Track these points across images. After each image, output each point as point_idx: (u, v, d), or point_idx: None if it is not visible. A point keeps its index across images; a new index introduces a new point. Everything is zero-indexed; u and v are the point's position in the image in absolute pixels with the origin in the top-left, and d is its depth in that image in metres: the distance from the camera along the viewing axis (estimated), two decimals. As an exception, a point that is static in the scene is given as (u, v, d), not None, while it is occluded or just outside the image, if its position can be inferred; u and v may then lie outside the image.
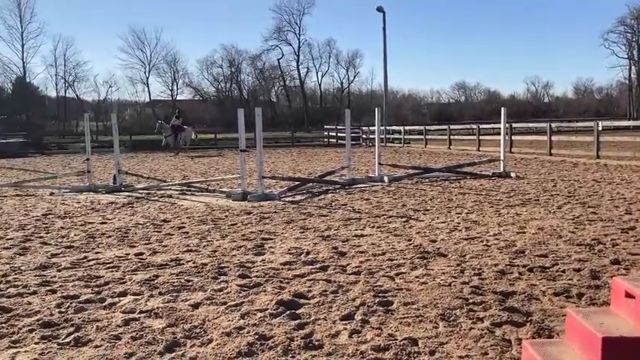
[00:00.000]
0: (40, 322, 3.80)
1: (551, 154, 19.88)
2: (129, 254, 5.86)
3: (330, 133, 40.00)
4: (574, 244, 5.85)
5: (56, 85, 67.25)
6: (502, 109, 14.31)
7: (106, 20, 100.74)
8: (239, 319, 3.79)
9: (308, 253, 5.72)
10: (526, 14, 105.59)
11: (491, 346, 3.26)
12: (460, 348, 3.26)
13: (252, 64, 75.59)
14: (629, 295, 2.86)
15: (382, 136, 31.91)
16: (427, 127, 32.40)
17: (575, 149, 19.80)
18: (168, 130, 28.35)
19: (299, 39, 74.66)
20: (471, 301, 4.06)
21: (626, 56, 74.28)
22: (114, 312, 4.02)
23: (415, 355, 3.18)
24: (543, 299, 4.11)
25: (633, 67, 74.28)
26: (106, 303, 4.22)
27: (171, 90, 71.32)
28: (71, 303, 4.20)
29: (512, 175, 13.30)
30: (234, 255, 5.74)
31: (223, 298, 4.28)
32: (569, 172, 14.05)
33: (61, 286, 4.70)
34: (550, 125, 20.98)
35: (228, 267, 5.21)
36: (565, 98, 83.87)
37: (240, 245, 6.20)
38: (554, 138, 20.67)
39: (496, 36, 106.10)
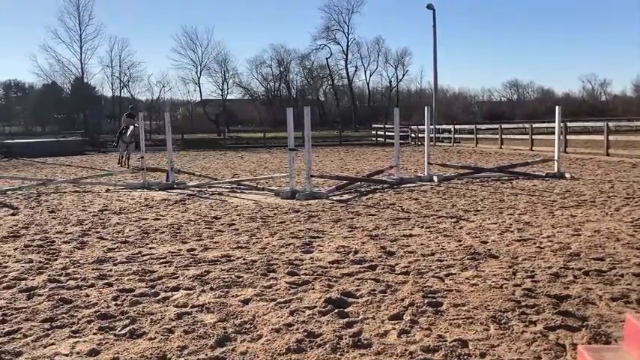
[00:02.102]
0: (97, 313, 3.95)
1: (608, 155, 19.16)
2: (181, 250, 6.01)
3: (379, 132, 39.82)
4: (633, 248, 5.62)
5: (112, 85, 69.39)
6: (556, 107, 13.90)
7: (159, 22, 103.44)
8: (288, 316, 3.83)
9: (356, 252, 5.72)
10: (581, 10, 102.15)
11: (545, 350, 3.18)
12: (512, 351, 3.19)
13: (301, 64, 76.03)
14: (693, 302, 2.74)
15: (431, 135, 31.44)
16: (478, 126, 31.74)
17: (634, 149, 19.00)
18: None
19: (347, 38, 74.55)
20: (523, 303, 3.97)
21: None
22: (167, 306, 4.13)
23: (465, 356, 3.14)
24: (600, 304, 3.98)
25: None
26: (160, 297, 4.35)
27: (222, 89, 72.44)
28: (126, 296, 4.34)
29: (567, 175, 12.89)
30: (283, 252, 5.80)
31: (273, 294, 4.34)
32: (628, 173, 13.51)
33: (117, 279, 4.86)
34: (607, 124, 20.21)
35: (277, 264, 5.27)
36: (624, 96, 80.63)
37: (289, 243, 6.26)
38: (611, 137, 19.90)
39: (550, 33, 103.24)
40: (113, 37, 78.83)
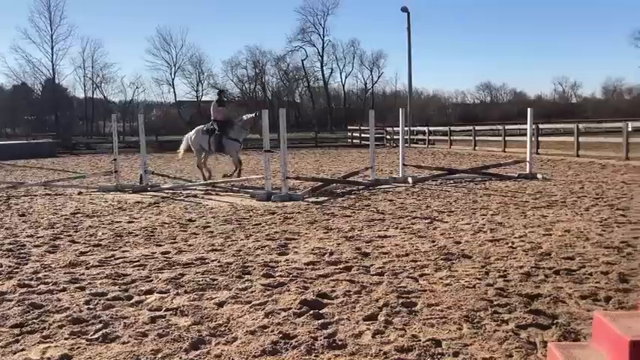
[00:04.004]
0: (69, 318, 3.89)
1: (578, 156, 19.55)
2: (155, 253, 5.95)
3: (354, 134, 39.97)
4: (602, 247, 5.75)
5: (84, 87, 68.53)
6: (528, 109, 14.14)
7: (132, 22, 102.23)
8: (263, 318, 3.83)
9: (331, 254, 5.74)
10: (553, 13, 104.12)
11: (516, 348, 3.24)
12: (484, 350, 3.24)
13: (277, 66, 75.98)
14: (658, 299, 2.82)
15: (406, 137, 31.75)
16: (452, 128, 32.15)
17: (603, 150, 19.42)
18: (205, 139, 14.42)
19: (323, 40, 74.79)
20: (495, 303, 4.04)
21: (657, 55, 72.67)
22: (141, 309, 4.09)
23: (439, 356, 3.17)
24: (570, 302, 4.06)
25: (664, 67, 72.60)
26: (133, 300, 4.30)
27: (197, 91, 72.06)
28: (99, 300, 4.29)
29: (539, 176, 13.12)
30: (259, 254, 5.78)
31: (248, 297, 4.33)
32: (598, 174, 13.81)
33: (89, 283, 4.80)
34: (577, 126, 20.63)
35: (252, 266, 5.25)
36: (593, 99, 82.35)
37: (265, 245, 6.25)
38: (581, 139, 20.32)
39: (522, 36, 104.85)
40: (85, 38, 77.75)
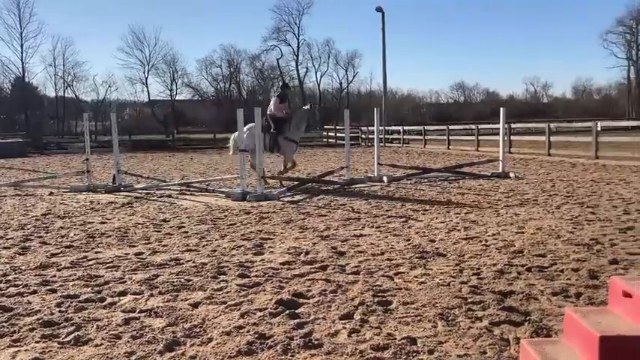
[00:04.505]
0: (40, 321, 3.81)
1: (549, 155, 19.90)
2: (128, 254, 5.87)
3: (330, 133, 40.04)
4: (572, 244, 5.87)
5: (55, 85, 67.30)
6: (501, 109, 14.34)
7: (105, 20, 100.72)
8: (239, 319, 3.80)
9: (307, 253, 5.74)
10: (525, 14, 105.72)
11: (490, 345, 3.28)
12: (459, 347, 3.27)
13: (252, 64, 75.70)
14: (626, 295, 2.88)
15: (381, 136, 31.91)
16: (426, 128, 32.43)
17: (573, 149, 19.81)
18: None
19: (298, 39, 74.77)
20: (469, 300, 4.08)
21: (625, 57, 74.48)
22: (114, 311, 4.03)
23: (414, 354, 3.20)
24: (541, 299, 4.13)
25: (632, 68, 74.45)
26: (106, 302, 4.24)
27: (171, 90, 71.32)
28: (71, 302, 4.21)
29: (511, 175, 13.32)
30: (234, 255, 5.75)
31: (223, 297, 4.30)
32: (568, 173, 14.07)
33: (61, 285, 4.71)
34: (549, 125, 21.01)
35: (227, 266, 5.22)
36: (564, 99, 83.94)
37: (240, 245, 6.22)
38: (552, 138, 20.69)
39: (495, 36, 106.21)
40: (56, 36, 76.30)
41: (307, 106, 12.51)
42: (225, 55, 74.00)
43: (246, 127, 12.31)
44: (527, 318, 3.71)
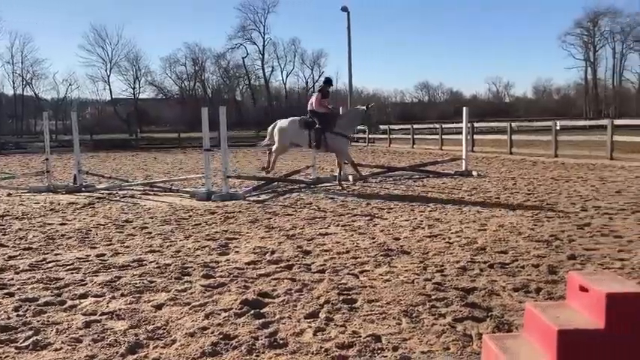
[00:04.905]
0: (-4, 326, 3.69)
1: (511, 153, 20.33)
2: (90, 255, 5.75)
3: (296, 133, 39.94)
4: (533, 241, 6.00)
5: (13, 83, 65.38)
6: (464, 109, 14.57)
7: (65, 17, 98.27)
8: (203, 320, 3.77)
9: (273, 252, 5.72)
10: (488, 15, 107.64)
11: (453, 341, 3.32)
12: (423, 343, 3.31)
13: (217, 63, 75.13)
14: (583, 289, 2.96)
15: (347, 136, 32.01)
16: (391, 127, 32.72)
17: (534, 148, 20.29)
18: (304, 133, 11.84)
19: (264, 38, 74.51)
20: (433, 297, 4.13)
21: (583, 58, 76.76)
22: (74, 314, 3.94)
23: (379, 351, 3.22)
24: (503, 294, 4.21)
25: (589, 69, 76.77)
26: (66, 305, 4.14)
27: (134, 88, 70.11)
28: (30, 306, 4.10)
29: (474, 173, 13.55)
30: (198, 255, 5.69)
31: (187, 298, 4.25)
32: (529, 171, 14.39)
33: (19, 288, 4.58)
34: (510, 125, 21.46)
35: (192, 267, 5.16)
36: (525, 98, 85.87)
37: (205, 245, 6.15)
38: (514, 137, 21.15)
39: (458, 37, 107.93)
40: (14, 32, 73.91)
41: (363, 107, 11.64)
42: (190, 53, 73.30)
43: (288, 119, 11.87)
44: (490, 314, 3.78)
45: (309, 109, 11.70)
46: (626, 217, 7.28)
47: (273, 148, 11.92)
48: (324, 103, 11.61)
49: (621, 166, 14.83)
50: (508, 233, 6.45)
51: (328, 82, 12.23)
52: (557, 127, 19.35)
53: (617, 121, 20.84)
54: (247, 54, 74.45)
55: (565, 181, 11.75)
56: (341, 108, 14.27)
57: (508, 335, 3.28)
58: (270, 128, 12.34)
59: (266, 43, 74.71)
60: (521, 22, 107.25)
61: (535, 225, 6.89)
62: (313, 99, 11.78)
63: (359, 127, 35.82)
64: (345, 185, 11.40)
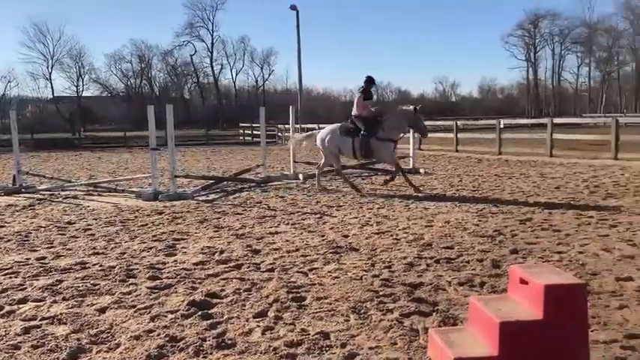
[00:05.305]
0: None
1: (457, 151, 20.81)
2: (29, 259, 5.53)
3: (246, 131, 39.74)
4: (477, 236, 6.16)
5: (-54, 80, 62.19)
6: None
7: (3, 11, 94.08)
8: (149, 322, 3.69)
9: (222, 252, 5.65)
10: (435, 15, 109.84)
11: (400, 336, 3.37)
12: (370, 339, 3.35)
13: (164, 60, 73.72)
14: (523, 282, 3.06)
15: (297, 134, 32.02)
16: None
17: (479, 146, 20.84)
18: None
19: (212, 35, 73.62)
20: (381, 293, 4.18)
21: (525, 58, 79.51)
22: (12, 320, 3.78)
23: (327, 348, 3.23)
24: (449, 289, 4.30)
25: (531, 69, 79.58)
26: (4, 311, 3.97)
27: (77, 86, 67.94)
28: (-37, 313, 3.91)
29: (421, 171, 13.79)
30: (144, 256, 5.56)
31: (132, 301, 4.15)
32: (474, 168, 14.77)
33: (-49, 295, 4.36)
34: (456, 123, 22.01)
35: (137, 269, 5.04)
36: (471, 97, 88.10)
37: (151, 246, 6.02)
38: (460, 135, 21.67)
39: (406, 36, 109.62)
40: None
41: (410, 107, 10.44)
42: (136, 50, 71.65)
43: (329, 128, 11.03)
44: (436, 308, 3.86)
45: (352, 114, 10.58)
46: (565, 211, 7.58)
47: (322, 162, 11.03)
48: (366, 105, 10.53)
49: (560, 162, 15.42)
50: (454, 229, 6.60)
51: (370, 80, 10.99)
52: (501, 126, 19.95)
53: (557, 120, 21.72)
54: (195, 51, 73.47)
55: (508, 177, 12.12)
56: (291, 107, 14.22)
57: (453, 329, 3.36)
58: (297, 139, 11.83)
59: (215, 40, 73.92)
60: (467, 23, 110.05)
61: (480, 221, 7.08)
62: (355, 102, 10.70)
63: (310, 127, 35.98)
64: (387, 185, 10.39)
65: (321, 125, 34.46)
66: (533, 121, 32.31)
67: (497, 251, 5.44)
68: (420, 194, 9.61)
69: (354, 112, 10.57)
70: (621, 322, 3.52)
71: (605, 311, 3.72)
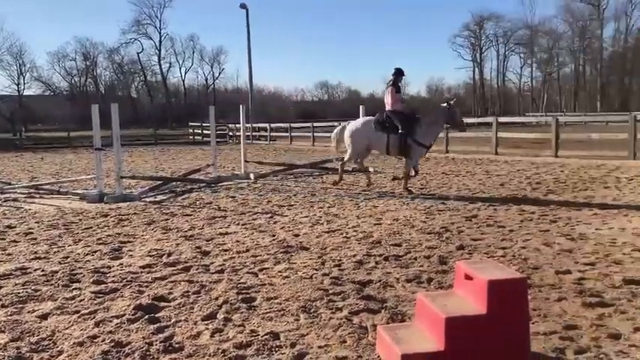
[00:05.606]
0: None
1: (407, 150, 21.09)
2: (-35, 265, 5.28)
3: (196, 131, 39.16)
4: (425, 233, 6.28)
5: None
6: (360, 107, 14.92)
7: None
8: (93, 328, 3.58)
9: (170, 255, 5.55)
10: (385, 15, 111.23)
11: (349, 334, 3.40)
12: (320, 338, 3.36)
13: (110, 58, 71.82)
14: (468, 277, 3.14)
15: (248, 134, 31.85)
16: (292, 125, 32.91)
17: (428, 144, 21.18)
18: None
19: (160, 33, 72.29)
20: (331, 291, 4.20)
21: (471, 59, 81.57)
22: (-55, 331, 3.60)
23: (277, 348, 3.23)
24: (397, 286, 4.36)
25: (477, 69, 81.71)
26: (-64, 321, 3.77)
27: (18, 84, 65.35)
28: None
29: (371, 169, 13.92)
30: (89, 260, 5.40)
31: (76, 306, 4.02)
32: (422, 166, 14.99)
33: None
34: (405, 122, 22.27)
35: (81, 273, 4.89)
36: (420, 97, 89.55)
37: (96, 250, 5.85)
38: (409, 134, 21.98)
39: (356, 36, 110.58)
40: None
41: (444, 105, 10.02)
42: (81, 47, 69.53)
43: (361, 120, 10.42)
44: (384, 305, 3.91)
45: (387, 109, 9.94)
46: (509, 207, 7.82)
47: (346, 157, 10.35)
48: (398, 99, 9.97)
49: (505, 160, 15.90)
50: (402, 226, 6.70)
51: (399, 72, 10.34)
52: (449, 125, 20.33)
53: (501, 119, 22.35)
54: (143, 49, 71.96)
55: (455, 175, 12.41)
56: (242, 106, 14.10)
57: (401, 325, 3.41)
58: (336, 132, 10.84)
59: (163, 38, 72.62)
60: (417, 23, 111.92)
61: (427, 218, 7.22)
62: (388, 96, 10.04)
63: (261, 126, 35.78)
64: (410, 188, 9.80)
65: (272, 125, 34.48)
66: (480, 119, 33.12)
67: (444, 248, 5.56)
68: (410, 195, 9.32)
69: (387, 106, 9.95)
70: (560, 314, 3.65)
71: (546, 304, 3.86)
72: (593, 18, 71.82)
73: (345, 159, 10.37)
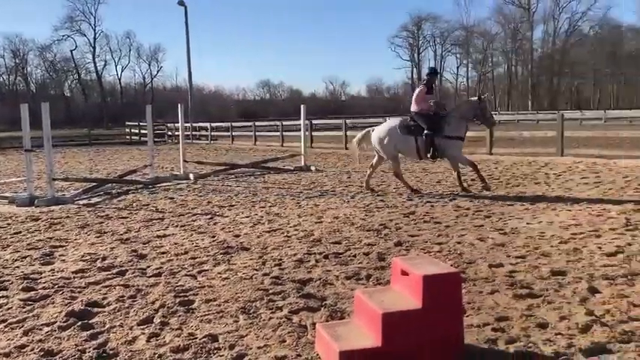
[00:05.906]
0: None
1: (346, 148, 21.30)
2: None
3: (133, 130, 38.15)
4: (364, 230, 6.36)
5: None
6: (302, 106, 14.97)
7: None
8: (21, 337, 3.43)
9: (104, 259, 5.38)
10: (325, 16, 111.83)
11: (289, 333, 3.40)
12: (259, 339, 3.34)
13: (41, 55, 68.94)
14: (404, 273, 3.20)
15: (188, 133, 31.30)
16: (233, 124, 32.59)
17: (367, 143, 21.47)
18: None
19: (95, 30, 70.01)
20: (271, 291, 4.19)
21: (409, 59, 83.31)
22: None
23: (215, 351, 3.19)
24: (337, 283, 4.40)
25: (415, 69, 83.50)
26: None
27: (-61, 83, 61.68)
28: None
29: (312, 168, 14.00)
30: (18, 267, 5.16)
31: (2, 315, 3.84)
32: (362, 165, 15.17)
33: None
34: (345, 122, 22.53)
35: (9, 280, 4.67)
36: (360, 97, 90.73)
37: (25, 255, 5.60)
38: (349, 133, 22.20)
39: (297, 36, 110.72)
40: None
41: (474, 98, 9.58)
42: (9, 44, 66.43)
43: (386, 126, 9.90)
44: (324, 303, 3.93)
45: (412, 110, 9.58)
46: (445, 204, 8.03)
47: (374, 160, 10.05)
48: (427, 99, 9.51)
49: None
50: (342, 224, 6.76)
51: (434, 72, 10.11)
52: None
53: (439, 118, 22.90)
54: (76, 46, 69.52)
55: (394, 173, 12.59)
56: (180, 105, 13.84)
57: (340, 322, 3.44)
58: (358, 137, 10.47)
59: (97, 35, 70.38)
60: (357, 23, 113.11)
61: (367, 215, 7.31)
62: (415, 95, 9.68)
63: (201, 125, 35.20)
64: (465, 186, 9.31)
65: (213, 124, 34.02)
66: (418, 118, 33.98)
67: (383, 244, 5.65)
68: (469, 193, 8.97)
69: (413, 107, 9.58)
70: (493, 306, 3.78)
71: (479, 296, 3.99)
72: (523, 20, 74.87)
73: (374, 163, 10.06)
